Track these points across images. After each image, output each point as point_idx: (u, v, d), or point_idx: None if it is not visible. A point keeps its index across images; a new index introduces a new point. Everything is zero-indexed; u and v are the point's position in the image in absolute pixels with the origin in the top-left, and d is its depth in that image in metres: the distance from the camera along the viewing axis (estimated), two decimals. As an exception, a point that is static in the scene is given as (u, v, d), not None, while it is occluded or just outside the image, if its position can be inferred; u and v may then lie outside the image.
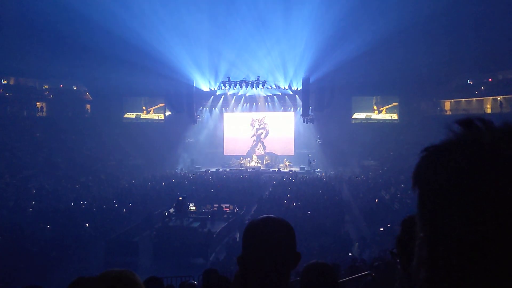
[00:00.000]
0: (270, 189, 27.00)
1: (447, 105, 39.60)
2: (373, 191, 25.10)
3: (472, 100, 37.33)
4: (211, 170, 35.51)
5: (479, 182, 0.58)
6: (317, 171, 35.19)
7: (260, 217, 1.47)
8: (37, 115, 38.36)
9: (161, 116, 42.78)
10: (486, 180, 0.58)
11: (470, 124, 0.64)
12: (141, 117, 42.67)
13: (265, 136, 41.17)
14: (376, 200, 22.47)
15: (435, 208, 0.63)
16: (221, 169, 36.01)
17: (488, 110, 35.36)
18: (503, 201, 0.57)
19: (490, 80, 36.54)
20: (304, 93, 36.96)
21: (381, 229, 16.71)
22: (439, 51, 33.98)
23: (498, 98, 34.97)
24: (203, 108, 41.21)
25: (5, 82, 37.48)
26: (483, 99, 36.57)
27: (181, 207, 19.94)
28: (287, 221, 1.46)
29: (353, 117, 41.10)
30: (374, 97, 40.88)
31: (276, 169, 35.73)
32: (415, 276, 0.67)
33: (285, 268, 1.40)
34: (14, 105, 36.38)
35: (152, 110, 42.81)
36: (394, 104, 40.41)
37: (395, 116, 40.62)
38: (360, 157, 35.17)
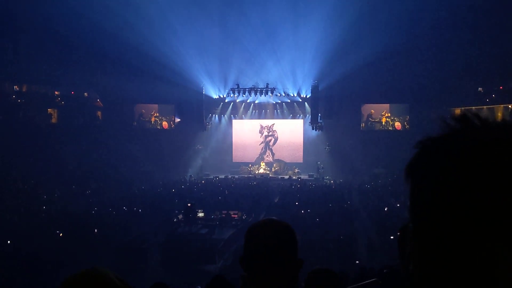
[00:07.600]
0: (279, 197, 26.91)
1: (458, 113, 39.10)
2: (383, 199, 24.91)
3: (483, 108, 36.93)
4: (220, 177, 35.56)
5: (469, 178, 0.58)
6: (326, 179, 35.01)
7: (262, 219, 1.49)
8: (49, 122, 38.75)
9: (172, 123, 43.00)
10: (476, 176, 0.58)
11: (466, 120, 0.65)
12: (152, 124, 42.88)
13: (274, 143, 41.13)
14: (386, 208, 22.29)
15: (426, 201, 0.62)
16: (229, 176, 36.02)
17: (500, 118, 34.91)
18: (491, 199, 0.57)
19: (501, 88, 36.18)
20: (313, 101, 36.99)
21: (391, 237, 16.57)
22: (450, 58, 33.76)
23: (510, 106, 34.60)
24: (212, 115, 41.39)
25: (18, 88, 37.95)
26: (494, 107, 36.19)
27: (190, 213, 20.02)
28: (289, 224, 1.47)
29: (362, 125, 40.88)
30: (384, 104, 40.65)
31: (285, 177, 35.64)
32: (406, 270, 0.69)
33: (284, 269, 1.40)
34: (26, 112, 36.79)
35: (162, 117, 43.03)
36: (406, 117, 40.20)
37: (405, 123, 40.36)
38: (370, 165, 34.89)
